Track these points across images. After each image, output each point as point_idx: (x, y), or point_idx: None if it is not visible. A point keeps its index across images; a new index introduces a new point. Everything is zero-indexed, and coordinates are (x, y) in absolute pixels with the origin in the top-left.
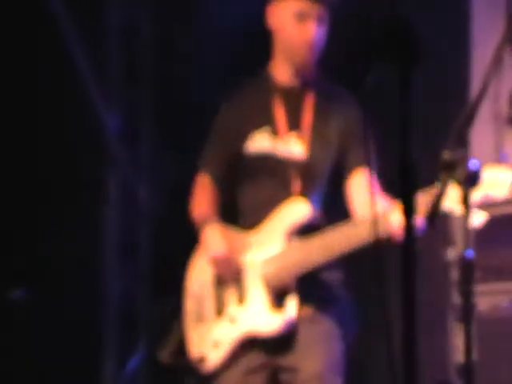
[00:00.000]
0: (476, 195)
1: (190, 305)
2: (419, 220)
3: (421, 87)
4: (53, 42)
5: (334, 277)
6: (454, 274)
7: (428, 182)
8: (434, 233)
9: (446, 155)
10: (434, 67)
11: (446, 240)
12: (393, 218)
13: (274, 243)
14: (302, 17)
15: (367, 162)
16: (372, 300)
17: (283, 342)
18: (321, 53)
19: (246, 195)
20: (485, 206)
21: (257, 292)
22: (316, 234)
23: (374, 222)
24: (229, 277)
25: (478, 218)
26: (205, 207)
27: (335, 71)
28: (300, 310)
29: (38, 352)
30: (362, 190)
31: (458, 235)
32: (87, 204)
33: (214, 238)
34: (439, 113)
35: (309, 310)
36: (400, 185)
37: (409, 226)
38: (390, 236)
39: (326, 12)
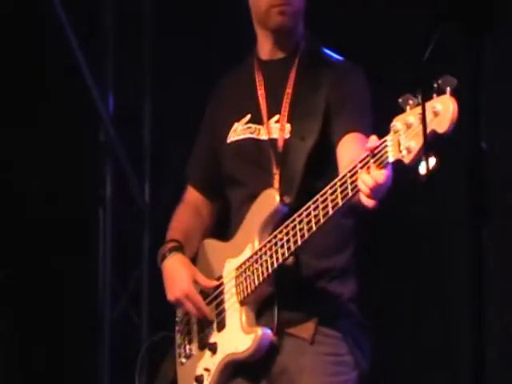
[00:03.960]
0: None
1: (178, 340)
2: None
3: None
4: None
5: (342, 290)
6: None
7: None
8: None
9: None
10: None
11: None
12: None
13: (247, 245)
14: None
15: (359, 127)
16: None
17: (275, 368)
18: (300, 13)
19: (232, 194)
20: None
21: (234, 310)
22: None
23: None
24: (196, 315)
25: (427, 164)
26: (173, 232)
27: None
28: (295, 328)
29: None
30: (348, 154)
31: None
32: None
33: (173, 275)
34: None
35: (309, 329)
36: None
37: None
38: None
39: None
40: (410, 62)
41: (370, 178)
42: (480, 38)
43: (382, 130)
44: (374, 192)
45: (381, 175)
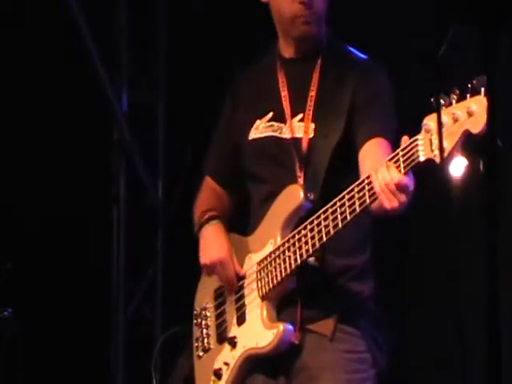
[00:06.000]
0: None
1: (196, 333)
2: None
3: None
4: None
5: (362, 288)
6: None
7: None
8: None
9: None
10: None
11: None
12: (375, 179)
13: (270, 240)
14: None
15: (382, 131)
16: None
17: (295, 364)
18: (323, 16)
19: (254, 190)
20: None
21: (255, 305)
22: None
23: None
24: (227, 285)
25: (459, 166)
26: (205, 207)
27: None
28: (315, 324)
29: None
30: (371, 159)
31: None
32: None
33: (213, 240)
34: None
35: (329, 325)
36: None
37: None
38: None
39: None
40: (426, 61)
41: (388, 175)
42: (494, 34)
43: (404, 129)
44: (391, 191)
45: (398, 176)
